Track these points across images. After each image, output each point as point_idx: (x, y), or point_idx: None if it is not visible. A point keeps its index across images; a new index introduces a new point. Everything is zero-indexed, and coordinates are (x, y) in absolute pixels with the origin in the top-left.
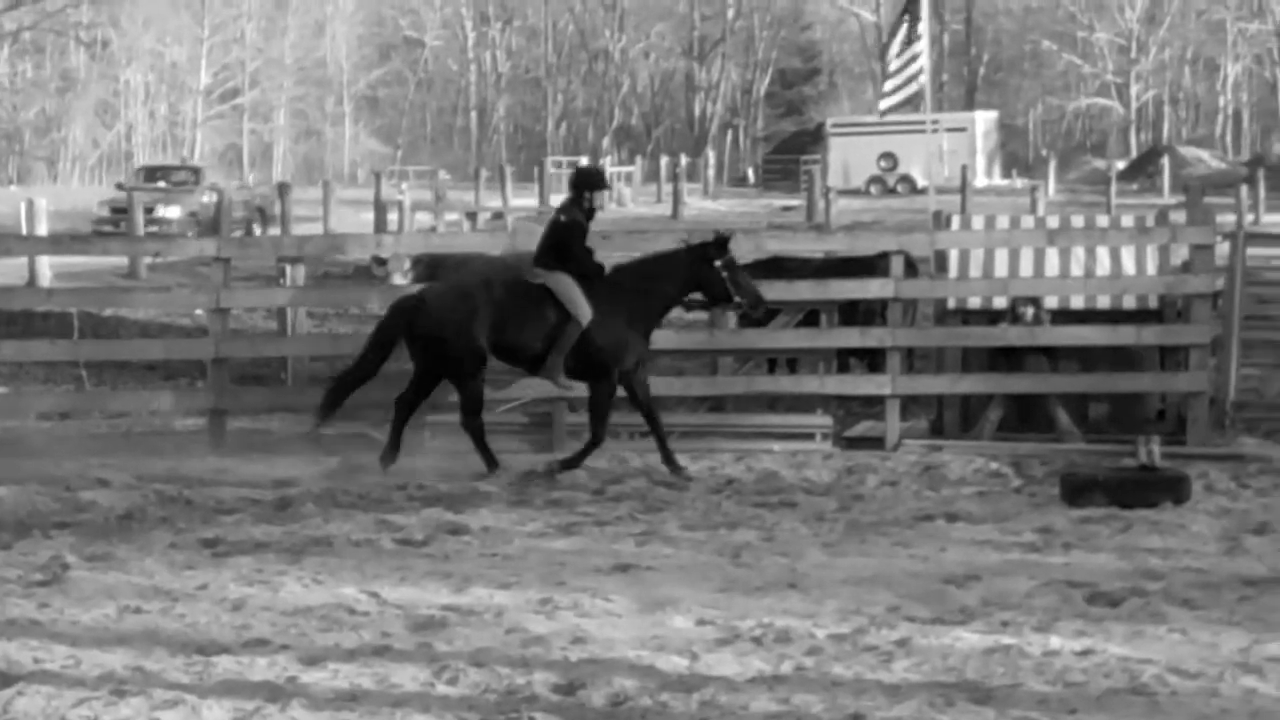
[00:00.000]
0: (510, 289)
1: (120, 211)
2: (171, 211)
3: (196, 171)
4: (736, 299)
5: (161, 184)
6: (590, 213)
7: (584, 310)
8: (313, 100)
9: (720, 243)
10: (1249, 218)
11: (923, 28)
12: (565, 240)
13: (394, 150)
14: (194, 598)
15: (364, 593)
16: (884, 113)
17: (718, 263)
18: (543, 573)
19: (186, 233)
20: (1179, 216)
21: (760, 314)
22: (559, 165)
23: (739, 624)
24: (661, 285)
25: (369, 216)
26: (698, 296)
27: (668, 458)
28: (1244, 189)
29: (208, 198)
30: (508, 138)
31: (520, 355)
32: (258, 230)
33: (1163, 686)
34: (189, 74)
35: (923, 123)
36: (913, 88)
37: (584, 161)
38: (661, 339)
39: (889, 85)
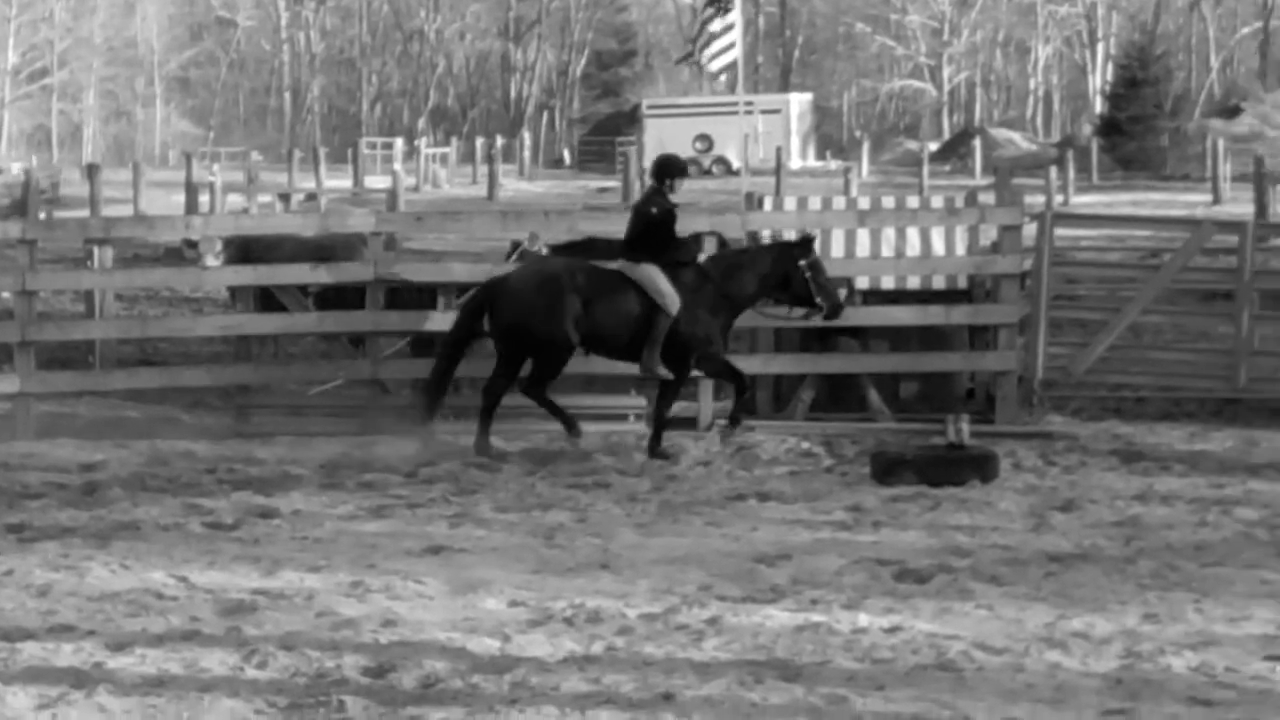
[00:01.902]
0: (594, 276)
1: None
2: None
3: None
4: (817, 301)
5: None
6: (673, 202)
7: (672, 300)
8: (123, 81)
9: (806, 242)
10: (1058, 199)
11: (735, 16)
12: (657, 230)
13: (206, 132)
14: None
15: (172, 577)
16: (716, 74)
17: (802, 263)
18: (354, 556)
19: None
20: (988, 198)
21: (837, 319)
22: (373, 146)
23: (551, 605)
24: (745, 280)
25: (180, 198)
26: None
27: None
28: (1054, 170)
29: None
30: (322, 119)
31: (607, 344)
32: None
33: (969, 662)
34: None
35: (738, 104)
36: (734, 53)
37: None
38: None
39: (715, 46)
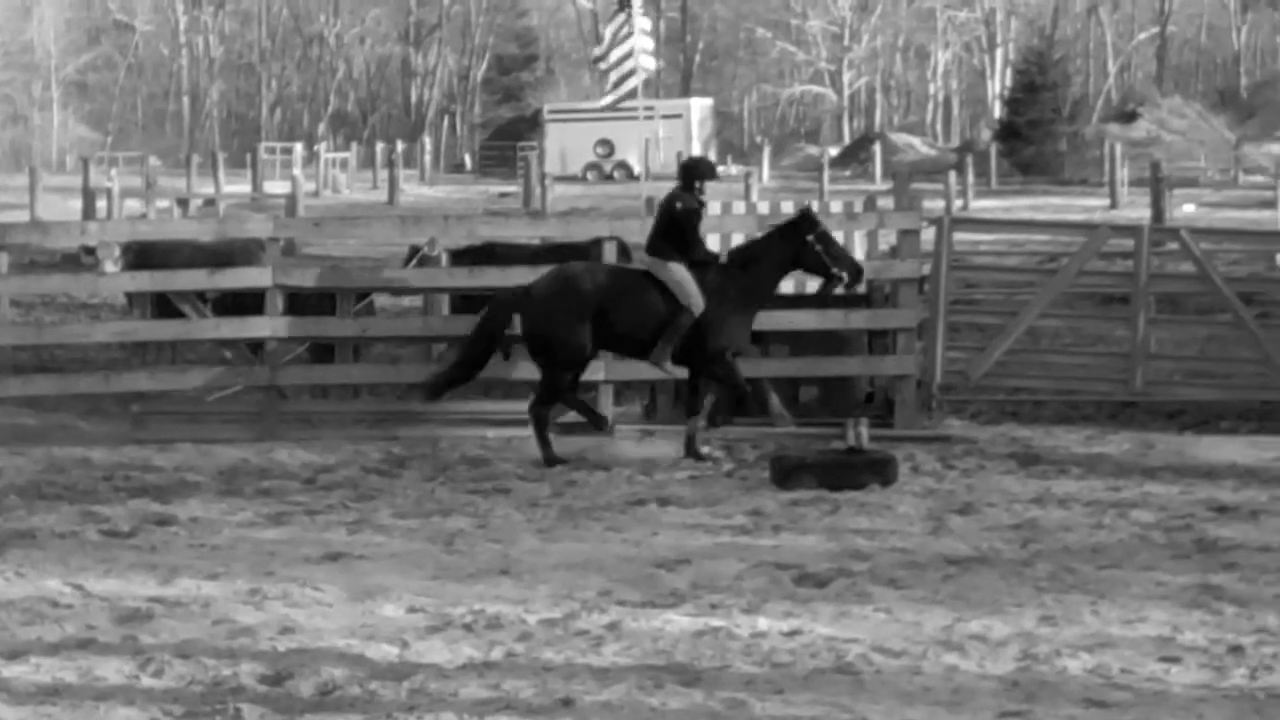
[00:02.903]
0: (615, 276)
1: None
2: None
3: None
4: (834, 271)
5: None
6: (701, 203)
7: (697, 300)
8: (20, 85)
9: (807, 217)
10: (957, 204)
11: (642, 23)
12: (684, 228)
13: (104, 136)
14: None
15: (68, 585)
16: (608, 106)
17: (810, 237)
18: (252, 563)
19: None
20: (887, 203)
21: (861, 285)
22: (273, 151)
23: (450, 611)
24: (762, 269)
25: (77, 204)
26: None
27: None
28: (952, 175)
29: None
30: (221, 123)
31: (627, 344)
32: None
33: (867, 665)
34: None
35: (638, 110)
36: (635, 80)
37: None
38: (377, 326)
39: (614, 76)
